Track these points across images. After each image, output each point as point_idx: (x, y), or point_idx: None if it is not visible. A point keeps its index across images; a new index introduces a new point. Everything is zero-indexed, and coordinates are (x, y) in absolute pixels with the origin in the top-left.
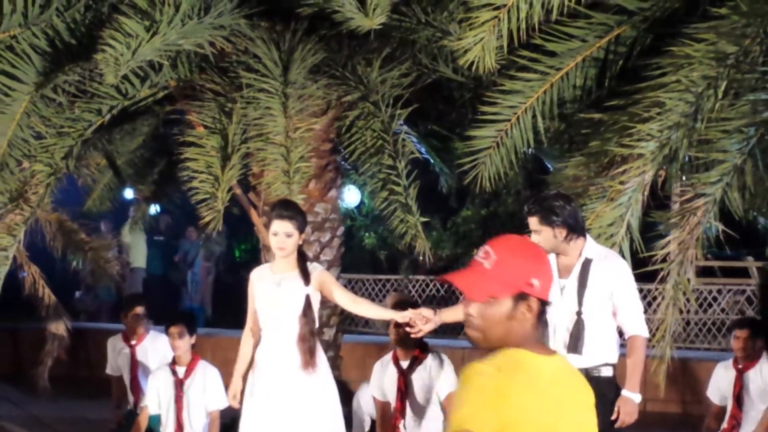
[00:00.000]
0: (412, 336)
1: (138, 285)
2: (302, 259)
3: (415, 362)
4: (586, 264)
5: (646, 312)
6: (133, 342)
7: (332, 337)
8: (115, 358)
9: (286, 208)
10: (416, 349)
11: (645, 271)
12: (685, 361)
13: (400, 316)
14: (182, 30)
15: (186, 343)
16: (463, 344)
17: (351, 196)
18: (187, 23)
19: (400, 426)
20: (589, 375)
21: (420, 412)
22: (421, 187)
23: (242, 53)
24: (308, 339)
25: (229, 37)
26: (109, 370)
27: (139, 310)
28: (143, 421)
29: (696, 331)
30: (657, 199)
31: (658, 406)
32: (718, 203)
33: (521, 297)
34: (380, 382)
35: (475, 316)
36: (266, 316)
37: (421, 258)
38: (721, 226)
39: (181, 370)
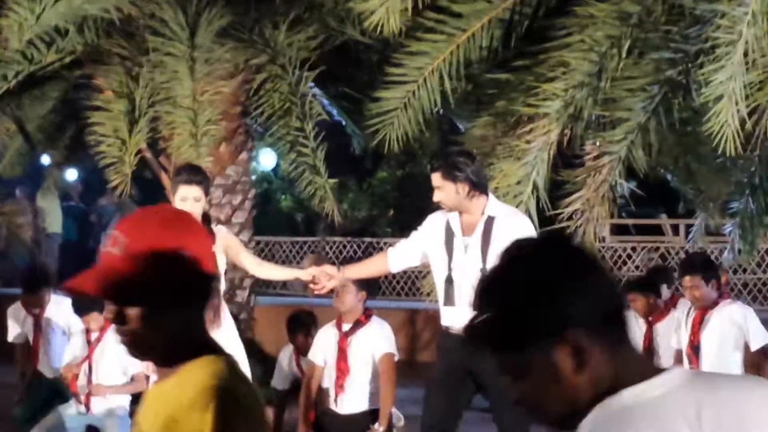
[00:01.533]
0: (316, 292)
1: (54, 251)
2: (206, 221)
3: (358, 325)
4: (489, 221)
5: None
6: (35, 311)
7: (245, 299)
8: (19, 325)
9: (194, 173)
10: (361, 314)
11: (553, 229)
12: None
13: (304, 274)
14: None
15: (99, 320)
16: (408, 305)
17: (267, 159)
18: None
19: (345, 384)
20: None
21: (358, 373)
22: (336, 149)
23: (149, 17)
24: (213, 297)
25: (135, 1)
26: (11, 338)
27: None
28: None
29: None
30: (565, 157)
31: None
32: (624, 161)
33: None
34: (321, 345)
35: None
36: None
37: (330, 219)
38: (625, 184)
39: (94, 336)
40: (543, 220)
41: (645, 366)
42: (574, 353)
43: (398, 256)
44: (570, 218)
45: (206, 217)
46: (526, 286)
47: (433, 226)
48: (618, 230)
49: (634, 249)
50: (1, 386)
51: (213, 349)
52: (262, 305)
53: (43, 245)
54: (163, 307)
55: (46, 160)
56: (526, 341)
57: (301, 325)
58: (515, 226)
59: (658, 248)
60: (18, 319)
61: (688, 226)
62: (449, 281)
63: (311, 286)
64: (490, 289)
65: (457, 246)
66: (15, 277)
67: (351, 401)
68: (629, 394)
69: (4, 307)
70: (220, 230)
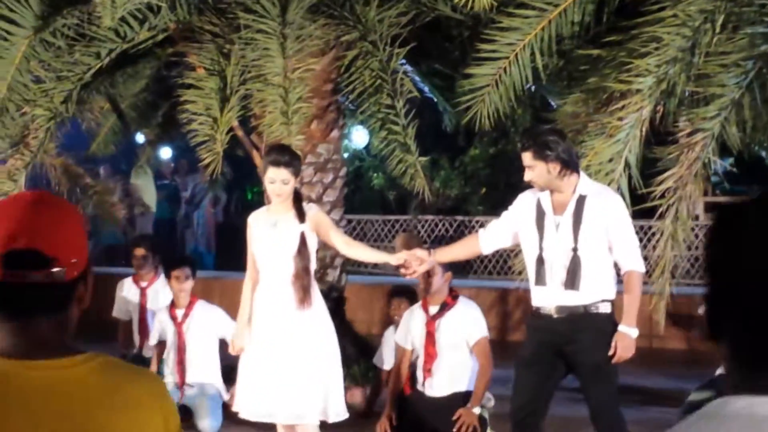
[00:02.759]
0: (408, 276)
1: (148, 229)
2: (297, 199)
3: (445, 308)
4: (581, 200)
5: (646, 248)
6: (143, 284)
7: (336, 278)
8: (124, 301)
9: (282, 154)
10: (447, 296)
11: (645, 207)
12: (692, 297)
13: (394, 259)
14: None
15: (189, 285)
16: (499, 284)
17: (359, 137)
18: None
19: (433, 368)
20: (588, 312)
21: (446, 357)
22: (427, 127)
23: None
24: (302, 276)
25: None
26: (116, 313)
27: (139, 252)
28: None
29: None
30: (659, 135)
31: (663, 342)
32: (717, 138)
33: None
34: (407, 328)
35: None
36: (263, 258)
37: (422, 197)
38: (719, 161)
39: (180, 313)
40: (635, 197)
41: None
42: None
43: (490, 238)
44: (663, 196)
45: (297, 196)
46: None
47: (523, 205)
48: (712, 208)
49: None
50: None
51: None
52: (354, 284)
53: (137, 224)
54: None
55: (139, 138)
56: None
57: (405, 297)
58: (607, 204)
59: None
60: (124, 294)
61: None
62: (540, 261)
63: (402, 270)
64: None
65: (549, 225)
66: (101, 256)
67: (439, 385)
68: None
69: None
70: (310, 208)
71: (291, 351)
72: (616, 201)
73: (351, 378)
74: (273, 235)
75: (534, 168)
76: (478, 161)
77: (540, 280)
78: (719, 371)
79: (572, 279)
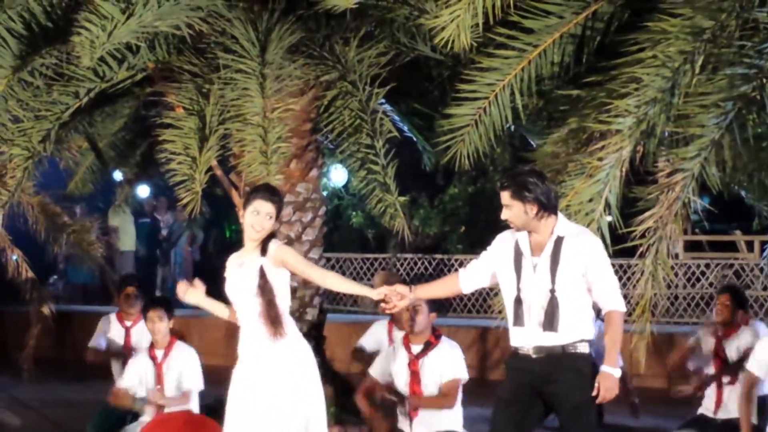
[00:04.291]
0: (387, 312)
1: (129, 269)
2: (267, 239)
3: (429, 347)
4: (558, 241)
5: (626, 287)
6: (128, 324)
7: (315, 316)
8: (104, 336)
9: (273, 193)
10: (431, 335)
11: (626, 247)
12: (672, 335)
13: (375, 293)
14: (158, 11)
15: (165, 326)
16: (479, 323)
17: (338, 176)
18: (164, 4)
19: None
20: (566, 352)
21: (430, 395)
22: (407, 166)
23: (219, 34)
24: (268, 309)
25: (206, 17)
26: (92, 344)
27: (131, 290)
28: (123, 400)
29: (684, 306)
30: (639, 174)
31: (644, 381)
32: (697, 178)
33: None
34: (385, 364)
35: None
36: (232, 298)
37: (400, 236)
38: (699, 201)
39: (159, 353)
40: (615, 237)
41: None
42: None
43: (469, 277)
44: (643, 236)
45: (268, 237)
46: None
47: (502, 245)
48: (692, 247)
49: (708, 266)
50: (74, 404)
51: None
52: (333, 322)
53: (117, 264)
54: None
55: (117, 176)
56: None
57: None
58: (585, 245)
59: (732, 265)
60: (106, 330)
61: (763, 243)
62: (518, 301)
63: (382, 305)
64: None
65: (526, 266)
66: (77, 295)
67: (423, 423)
68: None
69: (73, 324)
70: (273, 243)
71: (270, 390)
72: (593, 242)
73: (330, 416)
74: (239, 274)
75: (511, 208)
76: (458, 200)
77: (518, 320)
78: (701, 411)
79: (550, 320)
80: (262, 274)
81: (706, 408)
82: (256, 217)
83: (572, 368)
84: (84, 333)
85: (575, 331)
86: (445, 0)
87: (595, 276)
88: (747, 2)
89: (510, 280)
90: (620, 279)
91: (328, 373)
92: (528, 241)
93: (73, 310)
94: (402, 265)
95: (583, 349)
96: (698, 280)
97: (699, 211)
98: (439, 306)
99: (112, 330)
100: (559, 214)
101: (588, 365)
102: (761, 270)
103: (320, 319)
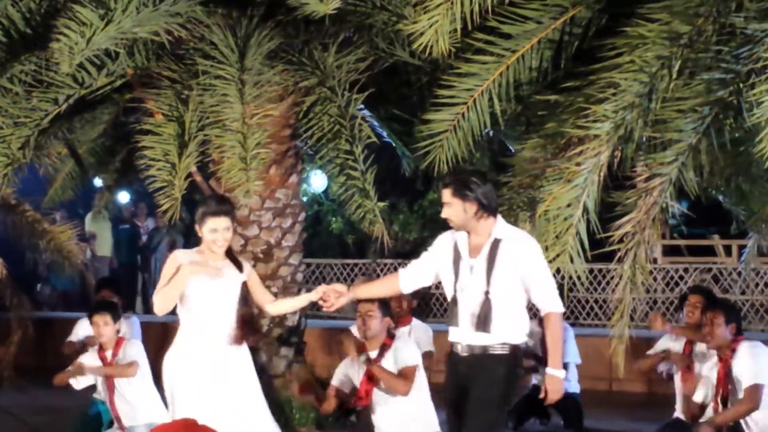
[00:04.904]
0: (327, 309)
1: (104, 274)
2: (229, 249)
3: (384, 349)
4: (495, 244)
5: (605, 291)
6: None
7: (295, 322)
8: (81, 336)
9: (223, 203)
10: (386, 338)
11: (604, 252)
12: (650, 340)
13: (314, 294)
14: (137, 18)
15: (111, 330)
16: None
17: (318, 181)
18: (143, 11)
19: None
20: (486, 352)
21: (390, 395)
22: (387, 171)
23: (198, 40)
24: (246, 318)
25: (185, 24)
26: (70, 338)
27: (106, 293)
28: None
29: (663, 310)
30: (617, 179)
31: (623, 385)
32: (675, 183)
33: None
34: (345, 371)
35: None
36: (205, 305)
37: (380, 241)
38: (677, 206)
39: (108, 353)
40: (593, 242)
41: None
42: None
43: (409, 277)
44: (621, 240)
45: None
46: None
47: (442, 245)
48: (670, 251)
49: (686, 270)
50: (55, 410)
51: None
52: (314, 328)
53: (90, 269)
54: None
55: (97, 182)
56: None
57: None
58: (522, 249)
59: (710, 269)
60: (81, 334)
61: (741, 247)
62: (454, 302)
63: (320, 303)
64: None
65: (464, 267)
66: (59, 301)
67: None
68: None
69: (54, 331)
70: (246, 266)
71: (243, 385)
72: (530, 245)
73: (311, 421)
74: (218, 284)
75: (451, 205)
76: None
77: (453, 320)
78: (676, 414)
79: (483, 321)
80: (245, 288)
81: (682, 413)
82: (216, 235)
83: (487, 367)
84: (64, 339)
85: (506, 333)
86: (423, 5)
87: (532, 279)
88: (724, 7)
89: (449, 281)
90: (599, 284)
91: (309, 378)
92: (467, 243)
93: (54, 317)
94: (382, 270)
95: (503, 350)
96: (677, 284)
97: (677, 216)
98: (418, 309)
99: (87, 332)
100: (499, 217)
101: (504, 365)
102: (739, 274)
103: (300, 325)
